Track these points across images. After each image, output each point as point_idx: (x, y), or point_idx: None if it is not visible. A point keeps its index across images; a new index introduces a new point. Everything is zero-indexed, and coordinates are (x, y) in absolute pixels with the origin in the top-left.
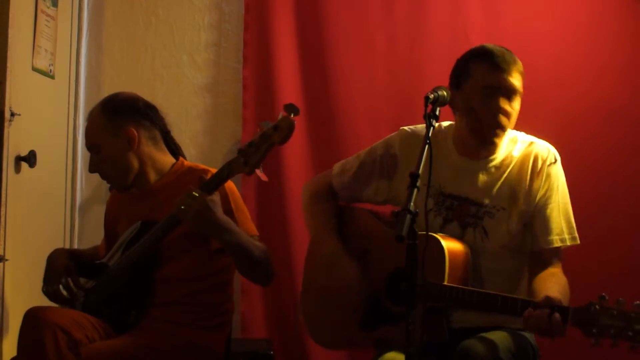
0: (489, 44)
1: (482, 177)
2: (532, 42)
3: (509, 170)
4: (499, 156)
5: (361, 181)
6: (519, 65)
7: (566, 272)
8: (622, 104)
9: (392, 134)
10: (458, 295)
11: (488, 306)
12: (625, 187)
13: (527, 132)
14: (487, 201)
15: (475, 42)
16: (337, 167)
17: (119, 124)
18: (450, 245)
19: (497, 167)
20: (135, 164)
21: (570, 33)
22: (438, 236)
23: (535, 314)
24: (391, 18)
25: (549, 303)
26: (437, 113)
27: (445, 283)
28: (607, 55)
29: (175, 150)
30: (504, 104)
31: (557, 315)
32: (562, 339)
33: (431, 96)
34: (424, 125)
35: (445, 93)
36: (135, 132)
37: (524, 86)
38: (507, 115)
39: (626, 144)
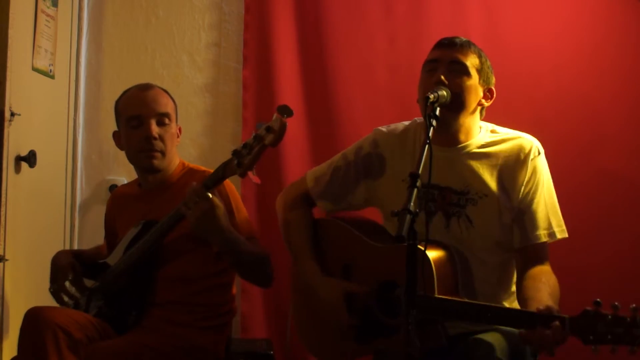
0: None
1: (460, 165)
2: (532, 42)
3: (490, 158)
4: (474, 142)
5: (346, 186)
6: (467, 44)
7: (553, 268)
8: (624, 107)
9: (369, 136)
10: (451, 308)
11: (481, 318)
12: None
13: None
14: (467, 188)
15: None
16: (310, 176)
17: (177, 115)
18: (434, 255)
19: (475, 155)
20: (175, 151)
21: (572, 34)
22: (422, 247)
23: (537, 334)
24: (391, 18)
25: (546, 313)
26: (437, 113)
27: (436, 295)
28: (611, 56)
29: None
30: (443, 75)
31: (557, 322)
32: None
33: (431, 96)
34: (397, 124)
35: (445, 93)
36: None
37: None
38: (449, 84)
39: (632, 147)
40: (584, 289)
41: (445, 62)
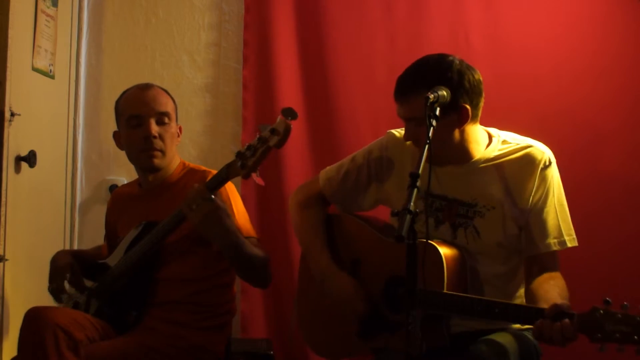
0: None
1: (468, 178)
2: (532, 43)
3: (499, 171)
4: (482, 157)
5: (357, 191)
6: (410, 88)
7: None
8: (624, 108)
9: (382, 138)
10: (459, 303)
11: (490, 314)
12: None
13: (529, 135)
14: (475, 201)
15: (475, 42)
16: (323, 178)
17: (178, 115)
18: (446, 251)
19: (483, 169)
20: (175, 151)
21: (571, 35)
22: (434, 243)
23: (547, 325)
24: (391, 18)
25: (557, 310)
26: (437, 113)
27: (445, 291)
28: (610, 57)
29: None
30: (408, 137)
31: (566, 320)
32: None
33: (431, 96)
34: None
35: (445, 93)
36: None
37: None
38: (418, 141)
39: (631, 147)
40: (582, 288)
41: (404, 119)
